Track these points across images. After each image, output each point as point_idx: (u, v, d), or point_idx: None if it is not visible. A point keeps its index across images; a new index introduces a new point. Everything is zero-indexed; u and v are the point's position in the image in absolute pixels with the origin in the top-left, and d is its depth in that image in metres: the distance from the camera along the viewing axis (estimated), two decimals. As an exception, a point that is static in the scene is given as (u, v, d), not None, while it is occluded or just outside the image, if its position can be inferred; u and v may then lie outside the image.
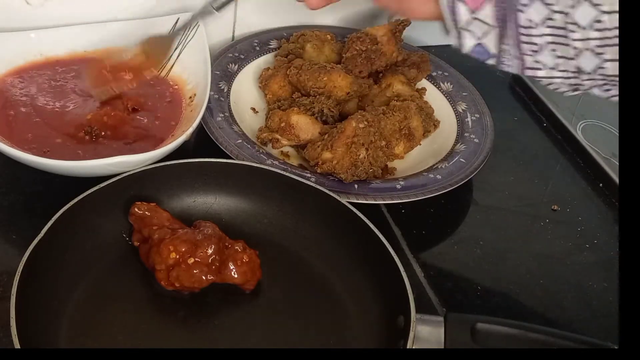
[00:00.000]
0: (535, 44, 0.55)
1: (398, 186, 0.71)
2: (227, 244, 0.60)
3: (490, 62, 0.59)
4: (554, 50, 0.55)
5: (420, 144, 0.79)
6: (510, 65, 0.58)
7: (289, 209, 0.66)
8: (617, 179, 0.80)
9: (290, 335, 0.58)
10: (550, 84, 0.58)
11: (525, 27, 0.54)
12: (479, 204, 0.77)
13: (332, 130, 0.72)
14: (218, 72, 0.80)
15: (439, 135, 0.81)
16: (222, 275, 0.59)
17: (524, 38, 0.55)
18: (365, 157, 0.71)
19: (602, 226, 0.77)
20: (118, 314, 0.57)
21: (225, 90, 0.80)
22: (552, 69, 0.56)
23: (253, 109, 0.81)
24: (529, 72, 0.57)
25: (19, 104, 0.71)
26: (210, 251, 0.58)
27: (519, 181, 0.81)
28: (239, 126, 0.75)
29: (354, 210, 0.62)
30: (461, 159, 0.76)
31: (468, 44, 0.58)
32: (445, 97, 0.85)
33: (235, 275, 0.59)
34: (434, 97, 0.85)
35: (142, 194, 0.63)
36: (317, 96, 0.77)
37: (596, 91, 0.56)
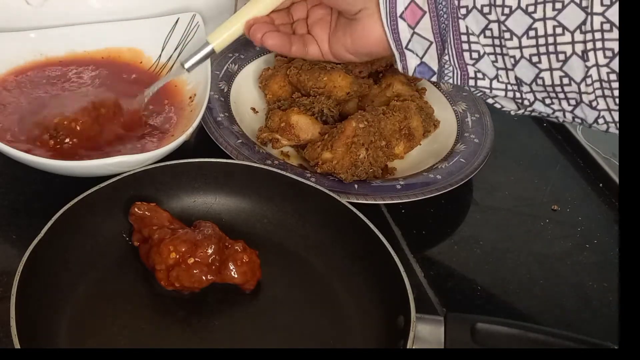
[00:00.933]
0: (476, 51, 0.55)
1: (398, 186, 0.71)
2: (227, 244, 0.60)
3: (433, 79, 0.60)
4: (494, 61, 0.55)
5: (420, 144, 0.79)
6: (452, 77, 0.58)
7: (289, 209, 0.66)
8: (617, 179, 0.80)
9: (290, 335, 0.58)
10: (494, 100, 0.59)
11: (465, 34, 0.55)
12: (479, 204, 0.77)
13: (332, 130, 0.72)
14: (218, 72, 0.80)
15: (439, 135, 0.81)
16: (222, 275, 0.59)
17: (464, 46, 0.56)
18: (365, 157, 0.71)
19: (602, 226, 0.76)
20: (118, 314, 0.57)
21: (225, 90, 0.80)
22: (494, 79, 0.56)
23: (253, 109, 0.81)
24: (471, 82, 0.57)
25: (9, 101, 0.71)
26: (210, 251, 0.58)
27: (519, 181, 0.81)
28: (239, 126, 0.75)
29: (354, 210, 0.62)
30: (461, 159, 0.76)
31: (412, 64, 0.59)
32: (445, 97, 0.85)
33: (235, 275, 0.59)
34: (434, 97, 0.85)
35: (142, 194, 0.63)
36: (317, 96, 0.77)
37: (540, 107, 0.56)
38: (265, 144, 0.75)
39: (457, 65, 0.57)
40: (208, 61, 0.74)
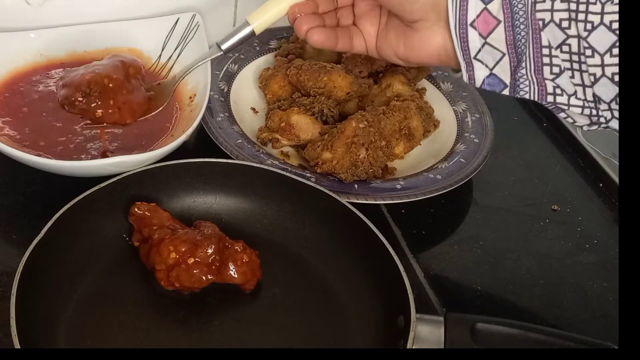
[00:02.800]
0: (557, 65, 0.53)
1: (398, 186, 0.71)
2: (227, 244, 0.60)
3: (505, 92, 0.57)
4: (571, 77, 0.53)
5: (420, 144, 0.79)
6: (529, 92, 0.55)
7: (289, 209, 0.66)
8: (617, 179, 0.80)
9: (290, 335, 0.58)
10: (567, 114, 0.56)
11: (547, 47, 0.53)
12: (479, 204, 0.77)
13: (332, 130, 0.72)
14: (218, 72, 0.80)
15: (439, 135, 0.81)
16: (222, 275, 0.59)
17: (545, 59, 0.53)
18: (365, 157, 0.71)
19: (602, 226, 0.76)
20: (118, 314, 0.57)
21: (225, 90, 0.80)
22: (571, 95, 0.54)
23: (253, 109, 0.81)
24: (550, 98, 0.55)
25: (20, 107, 0.71)
26: (210, 251, 0.58)
27: (519, 181, 0.81)
28: (239, 126, 0.75)
29: (354, 210, 0.62)
30: (461, 159, 0.76)
31: (480, 75, 0.57)
32: (445, 97, 0.85)
33: (235, 275, 0.59)
34: (434, 97, 0.85)
35: (142, 194, 0.63)
36: (317, 96, 0.77)
37: (615, 125, 0.54)
38: (265, 144, 0.75)
39: (534, 81, 0.54)
40: (208, 61, 0.74)
